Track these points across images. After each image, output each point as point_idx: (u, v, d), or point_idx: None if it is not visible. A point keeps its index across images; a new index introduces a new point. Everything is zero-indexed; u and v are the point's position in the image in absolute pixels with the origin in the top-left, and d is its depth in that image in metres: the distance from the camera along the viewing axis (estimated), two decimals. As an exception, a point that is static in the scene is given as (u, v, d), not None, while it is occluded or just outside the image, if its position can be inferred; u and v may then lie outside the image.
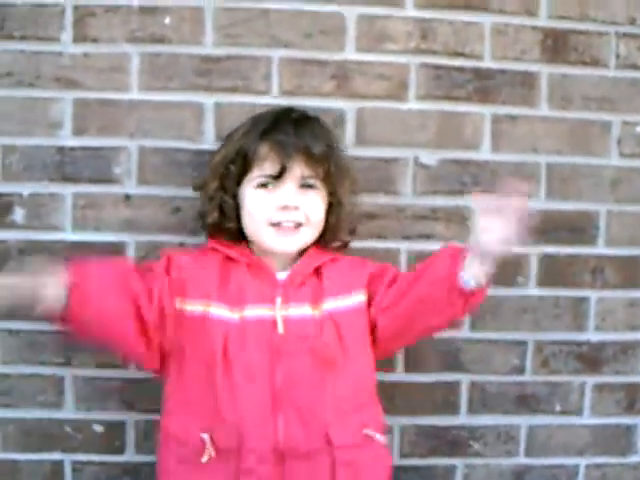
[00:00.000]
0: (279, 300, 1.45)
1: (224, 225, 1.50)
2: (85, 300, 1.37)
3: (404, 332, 1.51)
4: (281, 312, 1.44)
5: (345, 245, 1.58)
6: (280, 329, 1.43)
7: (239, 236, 1.51)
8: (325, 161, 1.46)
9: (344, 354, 1.45)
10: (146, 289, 1.43)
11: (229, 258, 1.50)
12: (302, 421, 1.41)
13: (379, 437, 1.49)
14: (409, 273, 1.53)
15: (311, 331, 1.44)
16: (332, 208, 1.51)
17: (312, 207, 1.47)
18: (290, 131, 1.45)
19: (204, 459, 1.40)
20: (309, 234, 1.49)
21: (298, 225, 1.46)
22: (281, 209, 1.45)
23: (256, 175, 1.46)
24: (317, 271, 1.51)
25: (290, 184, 1.45)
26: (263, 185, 1.46)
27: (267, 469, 1.40)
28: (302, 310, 1.46)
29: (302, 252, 1.53)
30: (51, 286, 1.34)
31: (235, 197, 1.49)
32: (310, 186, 1.47)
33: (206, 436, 1.41)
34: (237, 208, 1.50)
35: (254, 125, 1.50)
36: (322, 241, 1.53)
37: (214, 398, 1.41)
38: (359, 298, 1.49)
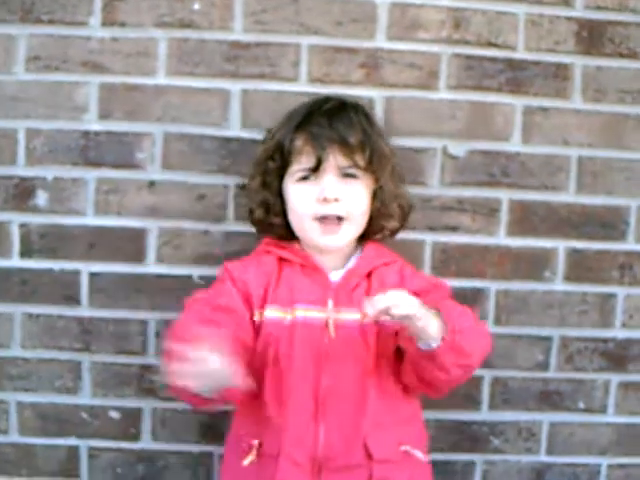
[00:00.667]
0: (331, 303, 1.43)
1: (270, 221, 1.49)
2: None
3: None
4: (333, 315, 1.42)
5: (394, 232, 1.55)
6: (332, 333, 1.41)
7: (287, 232, 1.50)
8: (363, 149, 1.43)
9: (379, 365, 1.43)
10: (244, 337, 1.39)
11: (283, 258, 1.49)
12: (342, 431, 1.40)
13: (419, 455, 1.46)
14: None
15: (358, 338, 1.42)
16: (377, 195, 1.48)
17: (354, 198, 1.44)
18: (324, 122, 1.42)
19: (246, 462, 1.40)
20: (352, 230, 1.46)
21: (340, 219, 1.43)
22: (322, 201, 1.42)
23: (295, 169, 1.44)
24: (369, 273, 1.49)
25: (330, 176, 1.42)
26: (304, 178, 1.44)
27: (303, 478, 1.39)
28: (352, 315, 1.43)
29: (358, 243, 1.51)
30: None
31: (279, 193, 1.48)
32: (351, 175, 1.44)
33: (256, 442, 1.41)
34: (282, 203, 1.48)
35: (289, 119, 1.48)
36: (370, 229, 1.50)
37: (263, 406, 1.41)
38: None
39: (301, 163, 1.43)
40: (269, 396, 1.41)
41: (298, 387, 1.40)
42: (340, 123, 1.43)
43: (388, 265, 1.51)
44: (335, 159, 1.42)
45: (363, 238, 1.52)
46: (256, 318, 1.44)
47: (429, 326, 1.28)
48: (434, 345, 1.29)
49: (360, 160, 1.43)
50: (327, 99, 1.51)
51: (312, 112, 1.46)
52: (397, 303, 1.25)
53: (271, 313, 1.43)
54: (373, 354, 1.42)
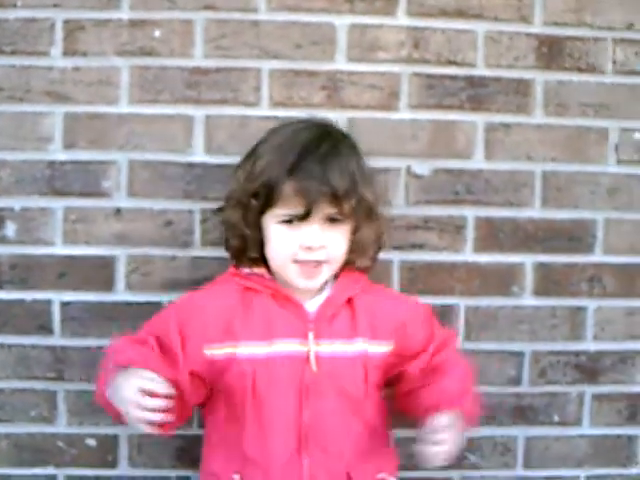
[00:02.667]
0: (311, 335, 1.42)
1: (247, 255, 1.46)
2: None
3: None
4: (314, 348, 1.41)
5: (365, 269, 1.52)
6: (313, 366, 1.40)
7: (261, 262, 1.46)
8: (350, 198, 1.38)
9: (366, 397, 1.44)
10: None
11: (251, 288, 1.46)
12: (326, 463, 1.40)
13: None
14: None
15: (342, 370, 1.42)
16: (356, 236, 1.45)
17: (335, 244, 1.41)
18: (316, 172, 1.35)
19: None
20: (330, 270, 1.44)
21: (319, 263, 1.41)
22: (305, 249, 1.39)
23: (280, 212, 1.38)
24: (349, 300, 1.47)
25: (315, 225, 1.38)
26: (287, 221, 1.39)
27: None
28: (334, 347, 1.42)
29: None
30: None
31: (257, 226, 1.43)
32: (335, 220, 1.40)
33: (237, 477, 1.41)
34: (260, 237, 1.44)
35: (280, 156, 1.39)
36: (348, 263, 1.47)
37: (244, 440, 1.40)
38: (385, 348, 1.47)
39: (288, 209, 1.37)
40: (250, 431, 1.40)
41: (280, 422, 1.40)
42: (332, 172, 1.36)
43: (368, 292, 1.49)
44: (323, 208, 1.37)
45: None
46: (216, 352, 1.41)
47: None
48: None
49: (346, 208, 1.38)
50: (321, 136, 1.43)
51: (304, 156, 1.37)
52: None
53: (246, 349, 1.40)
54: (359, 384, 1.43)
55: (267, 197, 1.38)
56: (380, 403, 1.51)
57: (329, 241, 1.40)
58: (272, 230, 1.41)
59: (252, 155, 1.46)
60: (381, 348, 1.46)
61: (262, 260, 1.46)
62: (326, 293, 1.47)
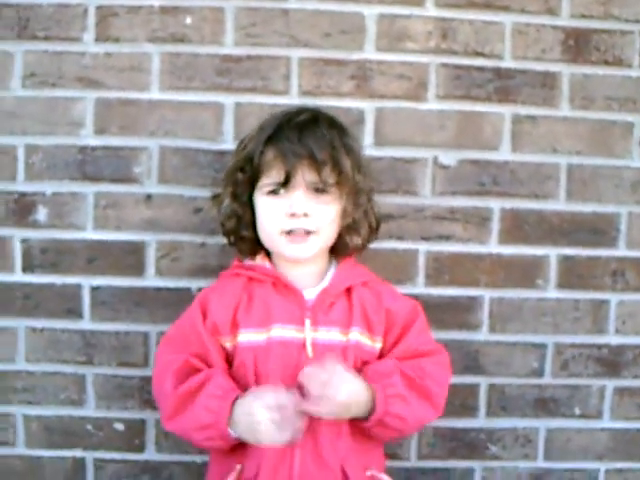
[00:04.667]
0: (308, 322, 1.44)
1: (241, 234, 1.50)
2: None
3: None
4: (310, 335, 1.43)
5: (360, 249, 1.54)
6: (309, 352, 1.42)
7: (257, 245, 1.50)
8: (332, 165, 1.42)
9: None
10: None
11: (253, 278, 1.49)
12: (318, 457, 1.41)
13: (385, 478, 1.49)
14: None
15: (338, 357, 1.41)
16: (346, 210, 1.48)
17: (322, 213, 1.44)
18: (293, 137, 1.41)
19: None
20: (320, 241, 1.46)
21: (307, 232, 1.44)
22: (290, 216, 1.43)
23: (265, 182, 1.44)
24: (347, 290, 1.49)
25: (299, 191, 1.42)
26: (273, 192, 1.44)
27: None
28: (330, 335, 1.44)
29: (331, 261, 1.53)
30: None
31: (250, 205, 1.48)
32: (321, 190, 1.44)
33: (239, 467, 1.42)
34: (252, 215, 1.49)
35: (260, 130, 1.47)
36: (340, 244, 1.51)
37: None
38: (378, 344, 1.48)
39: (271, 177, 1.43)
40: None
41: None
42: (310, 138, 1.42)
43: (366, 285, 1.51)
44: (304, 174, 1.41)
45: (336, 255, 1.53)
46: (228, 344, 1.45)
47: (352, 415, 1.38)
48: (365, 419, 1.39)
49: (328, 176, 1.42)
50: (300, 111, 1.49)
51: (282, 125, 1.44)
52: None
53: (245, 337, 1.43)
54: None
55: (251, 168, 1.44)
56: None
57: (314, 210, 1.43)
58: (260, 203, 1.46)
59: (239, 143, 1.54)
60: (375, 344, 1.48)
61: (256, 242, 1.50)
62: (325, 282, 1.49)
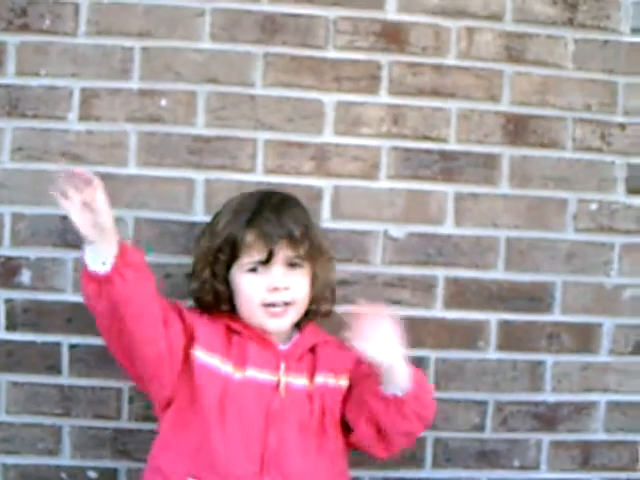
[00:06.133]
0: (283, 365, 1.56)
1: (219, 308, 1.61)
2: (127, 275, 1.40)
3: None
4: (285, 377, 1.56)
5: (327, 314, 1.67)
6: (282, 393, 1.54)
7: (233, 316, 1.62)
8: (305, 241, 1.55)
9: (324, 428, 1.56)
10: (170, 310, 1.53)
11: (232, 328, 1.59)
12: None
13: None
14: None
15: (304, 402, 1.54)
16: (315, 281, 1.61)
17: (298, 285, 1.57)
18: (272, 218, 1.53)
19: None
20: (296, 312, 1.60)
21: (287, 304, 1.57)
22: (272, 290, 1.55)
23: (245, 261, 1.55)
24: (312, 349, 1.63)
25: (278, 267, 1.55)
26: (252, 269, 1.55)
27: None
28: (300, 381, 1.57)
29: (298, 325, 1.65)
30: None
31: (226, 281, 1.59)
32: (295, 264, 1.57)
33: None
34: (229, 291, 1.59)
35: (237, 214, 1.57)
36: (310, 312, 1.64)
37: (207, 449, 1.48)
38: (342, 382, 1.60)
39: (252, 256, 1.54)
40: (215, 440, 1.48)
41: (246, 442, 1.48)
42: (287, 218, 1.55)
43: (328, 343, 1.64)
44: (283, 251, 1.55)
45: (300, 321, 1.65)
46: (197, 353, 1.53)
47: (398, 374, 1.43)
48: (400, 393, 1.44)
49: (303, 251, 1.57)
50: (269, 194, 1.63)
51: (260, 208, 1.56)
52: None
53: (225, 367, 1.54)
54: (317, 416, 1.56)
55: (232, 249, 1.56)
56: (340, 440, 1.59)
57: (292, 283, 1.57)
58: (240, 281, 1.58)
59: (211, 223, 1.63)
60: (339, 381, 1.60)
61: (232, 313, 1.62)
62: (294, 339, 1.63)
